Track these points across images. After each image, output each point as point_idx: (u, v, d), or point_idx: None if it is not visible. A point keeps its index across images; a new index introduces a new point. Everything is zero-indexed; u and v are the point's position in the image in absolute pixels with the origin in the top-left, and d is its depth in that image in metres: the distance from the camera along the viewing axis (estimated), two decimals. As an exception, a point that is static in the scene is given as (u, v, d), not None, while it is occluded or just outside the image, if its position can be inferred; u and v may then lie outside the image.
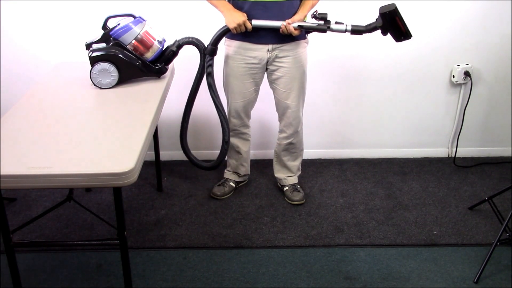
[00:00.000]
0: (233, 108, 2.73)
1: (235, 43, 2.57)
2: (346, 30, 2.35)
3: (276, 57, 2.58)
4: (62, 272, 2.36)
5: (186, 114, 2.72)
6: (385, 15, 2.24)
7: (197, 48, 2.48)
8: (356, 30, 2.35)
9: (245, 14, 2.43)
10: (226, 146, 2.68)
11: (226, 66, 2.66)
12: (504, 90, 3.24)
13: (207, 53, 2.49)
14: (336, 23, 2.35)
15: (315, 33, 2.70)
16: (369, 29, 2.32)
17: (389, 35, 2.32)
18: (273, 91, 2.73)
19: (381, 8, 2.27)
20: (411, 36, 2.28)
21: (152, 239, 2.58)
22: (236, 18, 2.41)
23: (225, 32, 2.48)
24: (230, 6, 2.49)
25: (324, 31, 2.38)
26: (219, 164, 2.77)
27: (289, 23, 2.39)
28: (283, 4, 2.43)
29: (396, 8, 2.22)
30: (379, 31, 2.33)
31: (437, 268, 2.40)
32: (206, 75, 2.54)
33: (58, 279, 2.32)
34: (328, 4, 2.65)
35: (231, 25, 2.42)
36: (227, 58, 2.63)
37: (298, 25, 2.40)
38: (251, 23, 2.42)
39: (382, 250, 2.52)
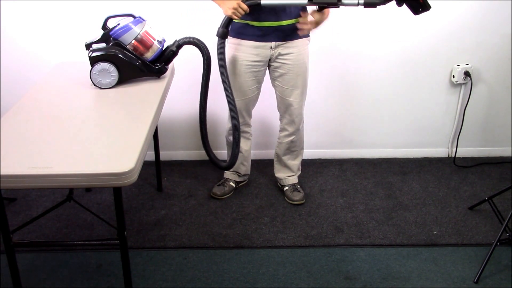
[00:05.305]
0: (235, 106, 2.74)
1: (238, 41, 2.58)
2: (358, 4, 2.23)
3: (279, 54, 2.58)
4: (62, 272, 2.36)
5: (202, 116, 2.66)
6: None
7: (197, 48, 2.48)
8: (370, 3, 2.22)
9: None
10: (237, 140, 2.62)
11: (228, 64, 2.66)
12: (504, 90, 3.24)
13: (219, 35, 2.45)
14: None
15: (317, 31, 2.69)
16: (384, 0, 2.18)
17: (405, 7, 2.17)
18: (275, 89, 2.73)
19: None
20: (430, 7, 2.14)
21: (152, 239, 2.58)
22: (229, 4, 2.37)
23: (229, 19, 2.44)
24: None
25: (335, 5, 2.29)
26: (233, 163, 2.72)
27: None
28: None
29: None
30: (394, 3, 2.17)
31: (437, 268, 2.40)
32: (219, 59, 2.48)
33: (58, 279, 2.32)
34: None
35: (228, 13, 2.38)
36: (229, 56, 2.63)
37: (308, 0, 2.31)
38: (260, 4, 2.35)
39: (382, 250, 2.52)
